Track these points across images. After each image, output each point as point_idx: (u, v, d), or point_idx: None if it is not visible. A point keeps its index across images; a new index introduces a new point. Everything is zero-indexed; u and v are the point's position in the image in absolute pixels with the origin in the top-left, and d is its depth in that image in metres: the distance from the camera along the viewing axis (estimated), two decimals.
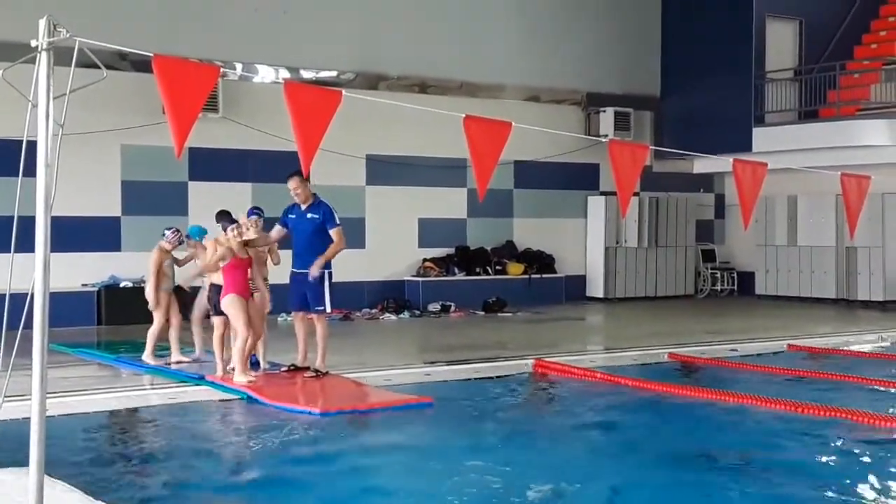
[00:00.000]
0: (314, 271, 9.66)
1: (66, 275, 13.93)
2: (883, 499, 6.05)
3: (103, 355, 11.46)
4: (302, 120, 5.45)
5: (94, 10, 14.41)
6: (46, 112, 4.33)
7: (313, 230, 9.79)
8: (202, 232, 10.73)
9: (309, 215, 9.83)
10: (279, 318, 14.23)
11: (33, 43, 4.33)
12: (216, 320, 9.71)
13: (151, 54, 4.79)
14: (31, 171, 4.41)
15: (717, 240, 21.57)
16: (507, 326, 15.40)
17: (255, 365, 9.94)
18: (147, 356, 10.57)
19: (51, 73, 4.35)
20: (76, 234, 14.44)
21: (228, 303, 9.27)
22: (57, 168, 4.39)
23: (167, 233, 10.61)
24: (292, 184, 9.75)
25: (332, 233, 9.76)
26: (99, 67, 4.62)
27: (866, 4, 20.73)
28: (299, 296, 9.89)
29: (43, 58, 4.32)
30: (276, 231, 10.00)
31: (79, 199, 14.50)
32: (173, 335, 10.62)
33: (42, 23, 4.32)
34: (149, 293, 10.49)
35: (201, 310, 10.49)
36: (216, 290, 9.58)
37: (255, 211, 10.03)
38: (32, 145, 4.37)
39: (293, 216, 9.94)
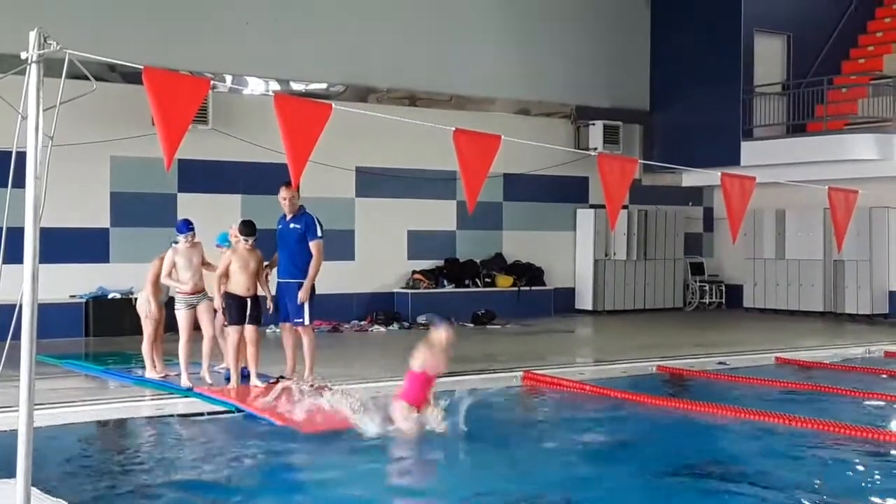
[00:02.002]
0: (301, 297, 9.72)
1: (55, 286, 13.87)
2: None
3: (91, 367, 11.41)
4: (292, 132, 5.47)
5: (84, 22, 14.41)
6: (36, 124, 4.33)
7: (295, 240, 9.83)
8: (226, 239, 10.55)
9: (292, 225, 9.88)
10: (268, 330, 14.19)
11: (23, 55, 4.34)
12: (230, 330, 9.66)
13: (141, 66, 4.80)
14: (20, 182, 4.41)
15: (705, 253, 21.63)
16: (497, 338, 15.40)
17: (245, 377, 9.91)
18: (150, 371, 10.37)
19: (40, 85, 4.36)
20: (65, 246, 14.38)
21: (398, 411, 7.97)
22: (46, 180, 4.40)
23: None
24: (285, 192, 9.76)
25: (311, 245, 9.77)
26: (88, 79, 4.63)
27: (854, 19, 20.87)
28: (284, 307, 9.91)
29: (33, 70, 4.33)
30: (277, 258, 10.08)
31: (68, 210, 14.46)
32: (152, 348, 10.51)
33: (32, 35, 4.33)
34: (143, 303, 10.39)
35: (214, 323, 10.11)
36: (229, 298, 9.56)
37: (189, 226, 9.99)
38: (22, 157, 4.37)
39: (280, 226, 10.00)
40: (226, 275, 9.63)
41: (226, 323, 9.75)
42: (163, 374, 10.38)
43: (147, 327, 10.36)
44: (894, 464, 7.42)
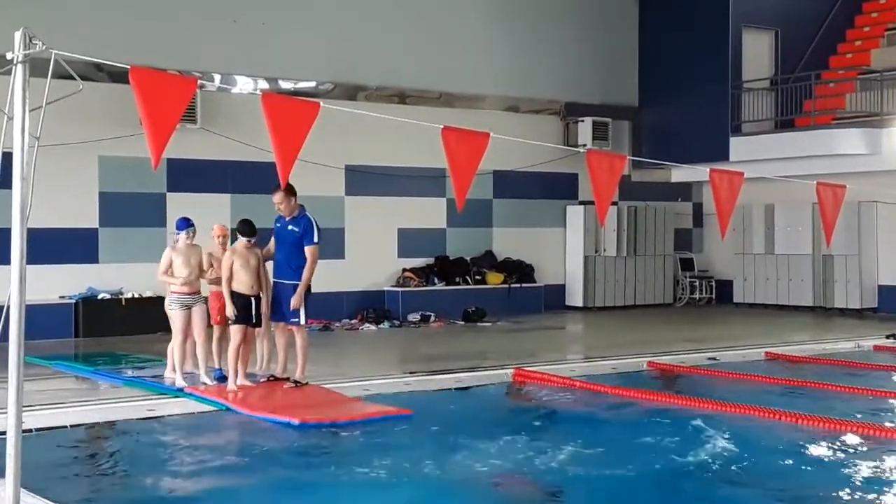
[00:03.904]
0: (294, 303, 9.71)
1: (44, 287, 13.84)
2: None
3: (81, 368, 11.37)
4: (280, 131, 5.45)
5: (71, 21, 14.36)
6: (22, 124, 4.32)
7: (292, 242, 9.82)
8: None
9: (290, 227, 9.86)
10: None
11: (9, 55, 4.33)
12: (233, 329, 9.59)
13: (128, 66, 4.78)
14: (6, 183, 4.39)
15: (695, 248, 21.67)
16: (487, 336, 15.41)
17: (221, 379, 9.85)
18: (169, 371, 10.12)
19: (27, 86, 4.35)
20: (53, 246, 14.33)
21: None
22: (33, 180, 4.38)
23: None
24: (275, 198, 9.79)
25: (307, 250, 9.75)
26: (75, 79, 4.61)
27: (841, 14, 20.92)
28: (278, 306, 9.90)
29: (18, 70, 4.32)
30: (272, 244, 10.03)
31: (56, 210, 14.41)
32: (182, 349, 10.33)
33: (18, 35, 4.32)
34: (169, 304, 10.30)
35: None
36: (233, 297, 9.52)
37: (188, 223, 9.97)
38: (8, 157, 4.36)
39: (279, 225, 10.00)
40: (230, 276, 9.61)
41: (229, 322, 9.71)
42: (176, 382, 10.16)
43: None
44: (882, 457, 7.45)
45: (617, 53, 20.37)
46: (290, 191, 9.69)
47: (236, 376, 9.62)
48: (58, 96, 4.37)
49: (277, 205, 9.83)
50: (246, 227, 9.67)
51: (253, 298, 9.64)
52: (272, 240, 10.03)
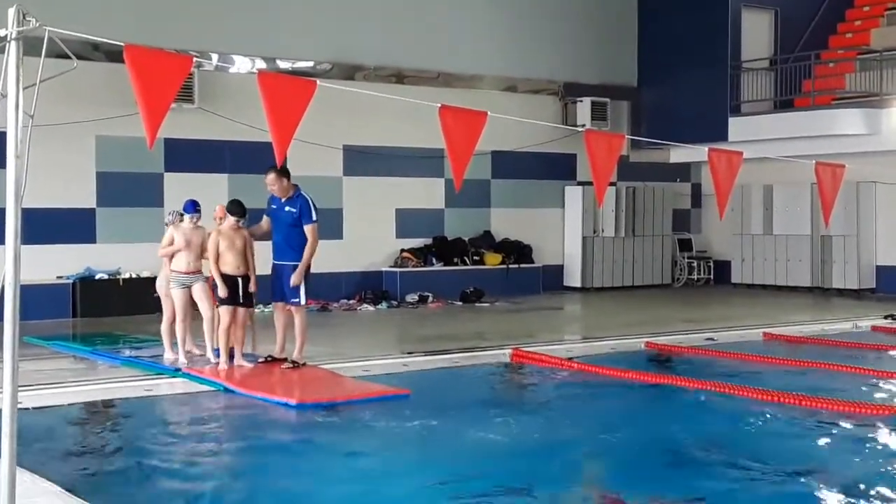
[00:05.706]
0: (295, 280, 9.67)
1: (41, 267, 13.84)
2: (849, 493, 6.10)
3: (79, 347, 11.38)
4: (276, 110, 5.43)
5: None
6: (16, 102, 4.29)
7: (290, 223, 9.78)
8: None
9: (287, 208, 9.81)
10: (256, 310, 14.16)
11: (2, 32, 4.29)
12: (221, 310, 9.59)
13: (122, 44, 4.75)
14: (1, 162, 4.37)
15: (693, 229, 21.66)
16: (485, 316, 15.42)
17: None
18: (168, 353, 10.13)
19: (20, 63, 4.31)
20: (51, 226, 14.30)
21: None
22: (27, 159, 4.36)
23: None
24: (268, 179, 9.75)
25: (306, 229, 9.71)
26: (70, 57, 4.58)
27: None
28: (278, 287, 9.88)
29: (12, 47, 4.28)
30: (265, 222, 10.00)
31: (53, 190, 14.37)
32: (171, 329, 10.23)
33: (11, 12, 4.28)
34: (162, 282, 10.26)
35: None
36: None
37: (196, 207, 9.96)
38: (2, 136, 4.33)
39: (274, 206, 9.94)
40: (217, 257, 9.60)
41: (216, 304, 9.72)
42: (174, 359, 10.17)
43: (167, 308, 10.26)
44: (878, 436, 7.46)
45: (616, 33, 20.29)
46: (282, 172, 9.66)
47: (227, 356, 9.61)
48: (52, 74, 4.33)
49: (270, 186, 9.80)
50: (235, 208, 9.66)
51: (240, 279, 9.64)
52: (264, 218, 10.00)
